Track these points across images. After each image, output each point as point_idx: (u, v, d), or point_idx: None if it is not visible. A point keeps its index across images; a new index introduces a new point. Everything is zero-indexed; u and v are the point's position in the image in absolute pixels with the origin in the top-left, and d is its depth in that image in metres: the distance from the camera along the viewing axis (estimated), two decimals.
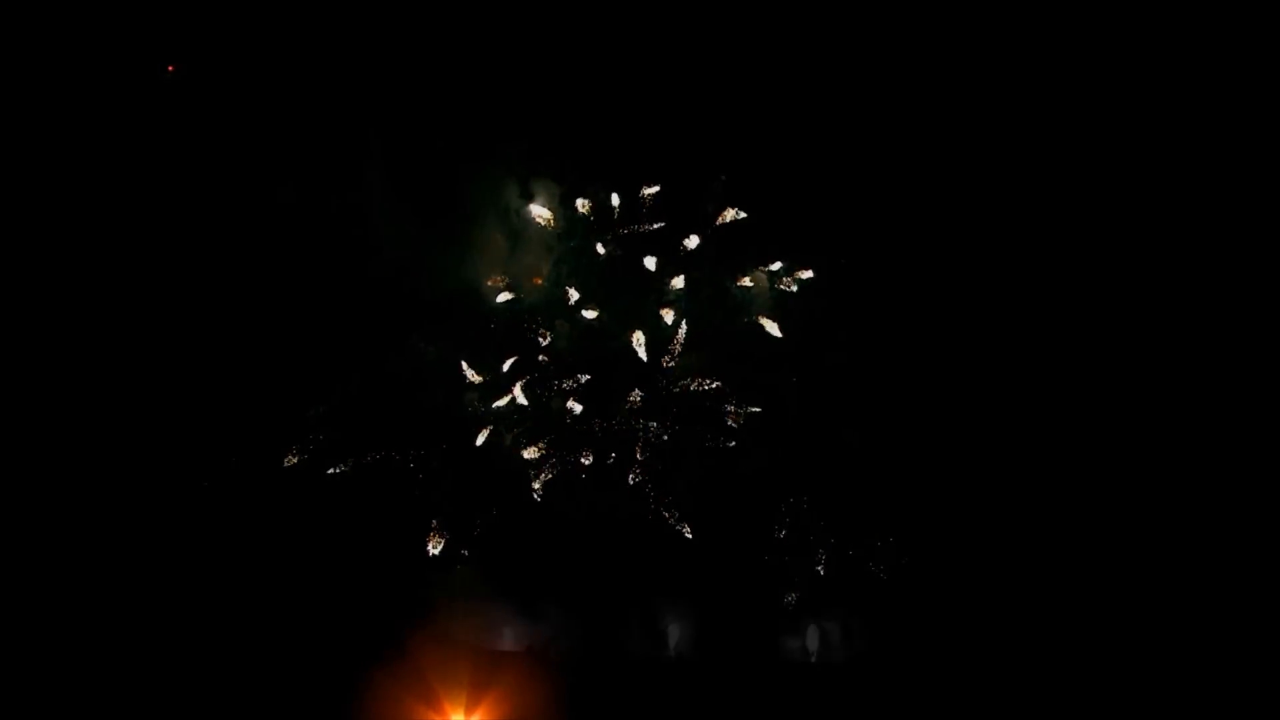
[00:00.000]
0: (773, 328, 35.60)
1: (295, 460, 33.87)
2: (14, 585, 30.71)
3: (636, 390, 35.06)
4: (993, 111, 37.07)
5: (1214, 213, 36.01)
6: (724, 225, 36.28)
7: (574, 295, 35.63)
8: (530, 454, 34.51)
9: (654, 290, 35.97)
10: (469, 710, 28.64)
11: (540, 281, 35.88)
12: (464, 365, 34.82)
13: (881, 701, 32.02)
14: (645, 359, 35.27)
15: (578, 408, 34.87)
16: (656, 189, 36.15)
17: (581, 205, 35.91)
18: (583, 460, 34.65)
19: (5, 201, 34.42)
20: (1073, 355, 36.05)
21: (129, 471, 33.31)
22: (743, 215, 36.19)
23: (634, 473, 34.76)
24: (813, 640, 34.23)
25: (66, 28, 35.49)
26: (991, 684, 32.03)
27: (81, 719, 28.60)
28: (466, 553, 33.99)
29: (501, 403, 34.70)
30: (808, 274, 36.23)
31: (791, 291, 36.13)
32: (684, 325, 35.40)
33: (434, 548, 33.62)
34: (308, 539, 33.28)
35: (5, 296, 33.98)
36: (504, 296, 35.54)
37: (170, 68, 37.00)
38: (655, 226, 36.24)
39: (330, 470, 33.96)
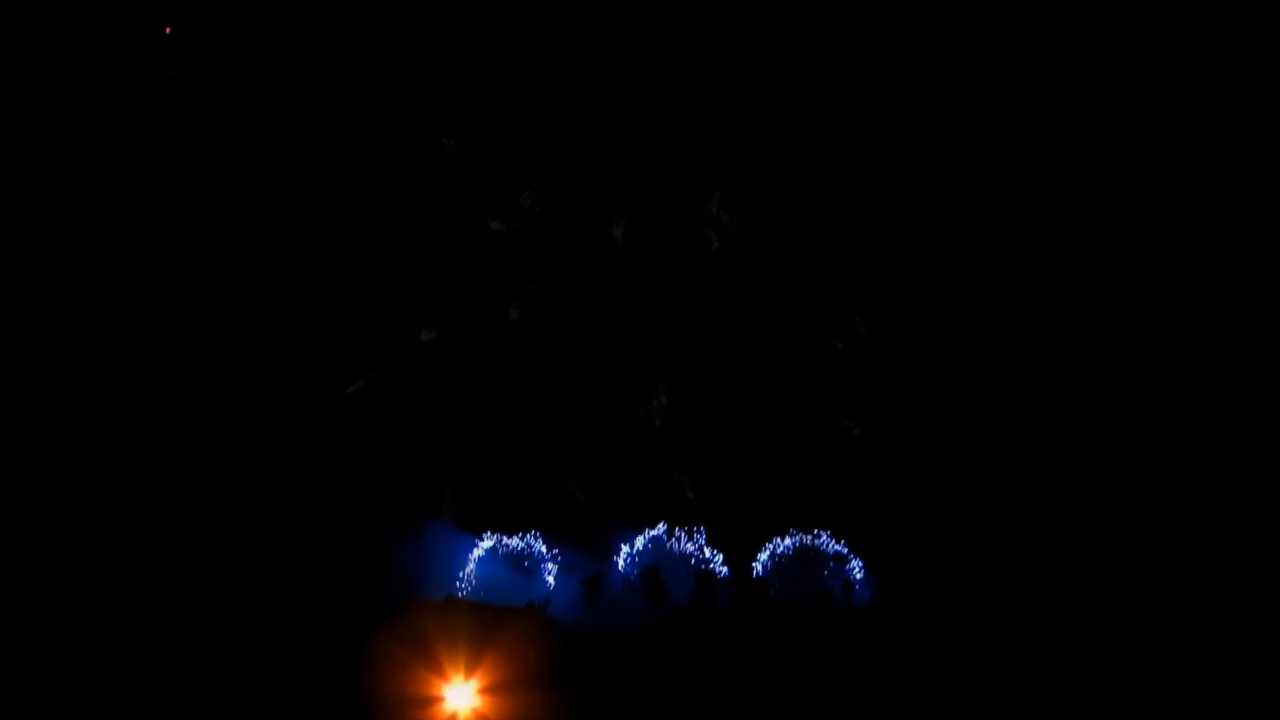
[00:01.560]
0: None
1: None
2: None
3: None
4: (992, 121, 38.01)
5: (1214, 214, 36.82)
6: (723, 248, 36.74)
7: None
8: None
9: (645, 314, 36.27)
10: (469, 670, 28.11)
11: (514, 315, 35.87)
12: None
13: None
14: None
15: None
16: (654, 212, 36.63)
17: (530, 200, 36.22)
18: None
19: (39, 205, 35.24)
20: (1073, 357, 36.63)
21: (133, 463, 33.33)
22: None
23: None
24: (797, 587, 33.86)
25: (68, 32, 36.21)
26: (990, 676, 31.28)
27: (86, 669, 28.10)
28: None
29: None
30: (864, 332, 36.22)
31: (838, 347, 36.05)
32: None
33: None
34: (308, 507, 33.23)
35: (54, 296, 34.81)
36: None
37: (172, 74, 37.61)
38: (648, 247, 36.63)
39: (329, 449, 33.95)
